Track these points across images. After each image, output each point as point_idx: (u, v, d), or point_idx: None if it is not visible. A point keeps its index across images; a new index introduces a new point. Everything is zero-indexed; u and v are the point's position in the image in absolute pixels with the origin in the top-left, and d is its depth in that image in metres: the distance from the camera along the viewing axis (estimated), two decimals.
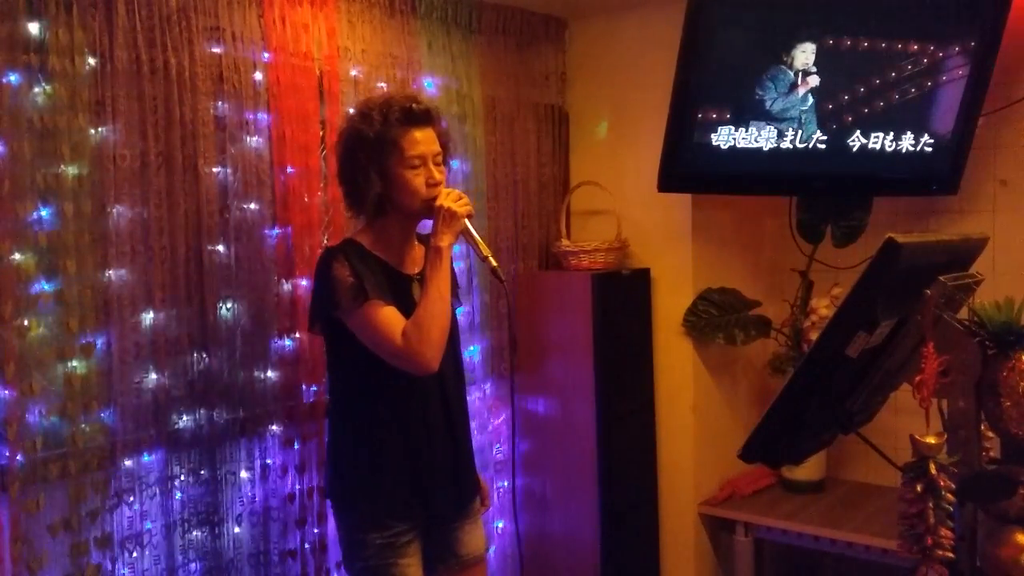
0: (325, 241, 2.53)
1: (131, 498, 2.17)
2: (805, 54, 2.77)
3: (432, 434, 2.10)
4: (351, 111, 2.14)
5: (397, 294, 2.03)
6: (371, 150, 2.02)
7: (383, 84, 2.72)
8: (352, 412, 2.12)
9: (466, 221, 2.04)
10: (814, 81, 2.80)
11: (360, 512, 2.09)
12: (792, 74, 2.79)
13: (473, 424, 2.58)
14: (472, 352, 3.01)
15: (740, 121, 2.81)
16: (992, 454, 1.60)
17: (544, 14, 3.29)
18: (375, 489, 2.07)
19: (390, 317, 1.98)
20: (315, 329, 2.16)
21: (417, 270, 2.12)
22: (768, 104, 2.81)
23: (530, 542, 3.26)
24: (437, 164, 2.07)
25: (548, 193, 3.36)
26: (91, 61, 2.06)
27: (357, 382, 2.08)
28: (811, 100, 2.82)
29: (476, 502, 2.26)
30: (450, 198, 2.02)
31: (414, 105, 2.04)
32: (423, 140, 2.03)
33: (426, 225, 2.10)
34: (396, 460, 2.07)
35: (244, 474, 2.41)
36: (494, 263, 2.04)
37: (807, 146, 2.87)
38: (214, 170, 2.31)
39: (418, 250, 2.15)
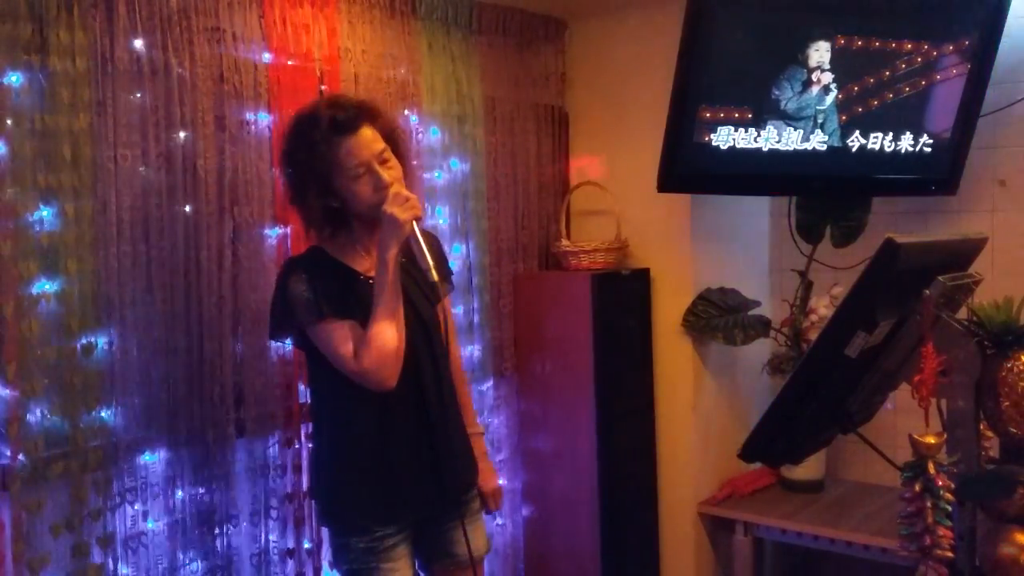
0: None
1: (133, 497, 2.17)
2: (819, 52, 2.77)
3: (407, 436, 2.05)
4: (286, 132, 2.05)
5: (361, 302, 1.96)
6: (309, 171, 1.94)
7: (383, 83, 2.73)
8: (328, 417, 2.10)
9: (414, 226, 1.92)
10: (827, 79, 2.80)
11: (341, 517, 2.08)
12: (806, 73, 2.79)
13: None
14: (470, 351, 3.02)
15: (753, 121, 2.81)
16: (991, 453, 1.61)
17: (544, 15, 3.29)
18: (353, 494, 2.05)
19: (344, 335, 1.92)
20: (277, 338, 2.14)
21: None
22: (783, 104, 2.81)
23: (530, 541, 3.26)
24: (384, 161, 1.95)
25: (548, 193, 3.36)
26: (91, 62, 2.06)
27: (331, 387, 2.04)
28: (828, 99, 2.82)
29: (474, 503, 2.23)
30: (395, 202, 1.90)
31: (338, 115, 1.92)
32: (359, 145, 1.93)
33: None
34: (371, 464, 2.03)
35: (244, 474, 2.41)
36: (435, 277, 1.92)
37: (807, 146, 2.87)
38: (214, 170, 2.31)
39: None
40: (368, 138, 1.95)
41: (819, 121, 2.86)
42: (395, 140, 2.03)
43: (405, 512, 2.07)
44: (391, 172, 1.96)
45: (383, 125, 2.00)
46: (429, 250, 1.99)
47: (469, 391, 2.48)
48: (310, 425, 2.52)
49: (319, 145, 1.92)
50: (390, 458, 2.04)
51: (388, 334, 1.91)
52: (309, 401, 2.24)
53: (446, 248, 2.59)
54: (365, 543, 2.02)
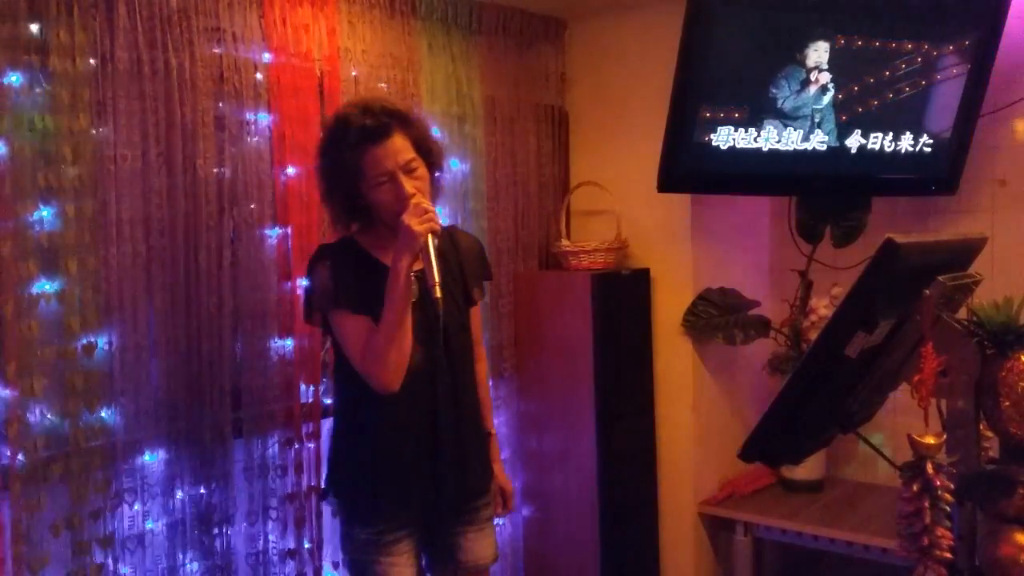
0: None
1: (133, 498, 2.18)
2: (817, 52, 2.78)
3: (415, 438, 2.05)
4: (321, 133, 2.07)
5: (383, 295, 1.96)
6: (337, 177, 1.99)
7: (383, 85, 2.73)
8: (345, 406, 2.14)
9: (430, 238, 1.89)
10: (825, 78, 2.80)
11: (347, 505, 2.10)
12: (804, 72, 2.79)
13: None
14: None
15: (752, 120, 2.81)
16: (991, 454, 1.61)
17: (544, 15, 3.29)
18: (359, 484, 2.07)
19: (355, 332, 1.96)
20: (308, 321, 2.15)
21: (417, 267, 2.06)
22: (780, 103, 2.81)
23: (530, 541, 3.27)
24: (411, 171, 1.96)
25: (548, 193, 3.36)
26: (92, 61, 2.07)
27: (348, 378, 2.05)
28: (826, 98, 2.82)
29: (485, 510, 2.20)
30: (413, 214, 1.89)
31: (368, 122, 1.93)
32: (386, 155, 1.94)
33: None
34: (377, 459, 2.05)
35: (244, 474, 2.41)
36: (437, 294, 1.85)
37: (807, 146, 2.87)
38: (214, 170, 2.31)
39: None
40: (396, 147, 1.95)
41: (817, 120, 2.86)
42: (428, 148, 2.03)
43: (407, 512, 2.08)
44: (416, 183, 1.97)
45: (416, 133, 2.01)
46: (467, 255, 2.12)
47: (489, 393, 2.46)
48: (311, 425, 2.53)
49: (346, 152, 1.95)
50: (396, 457, 2.05)
51: (392, 343, 1.92)
52: (333, 388, 2.26)
53: None
54: (366, 535, 2.04)
